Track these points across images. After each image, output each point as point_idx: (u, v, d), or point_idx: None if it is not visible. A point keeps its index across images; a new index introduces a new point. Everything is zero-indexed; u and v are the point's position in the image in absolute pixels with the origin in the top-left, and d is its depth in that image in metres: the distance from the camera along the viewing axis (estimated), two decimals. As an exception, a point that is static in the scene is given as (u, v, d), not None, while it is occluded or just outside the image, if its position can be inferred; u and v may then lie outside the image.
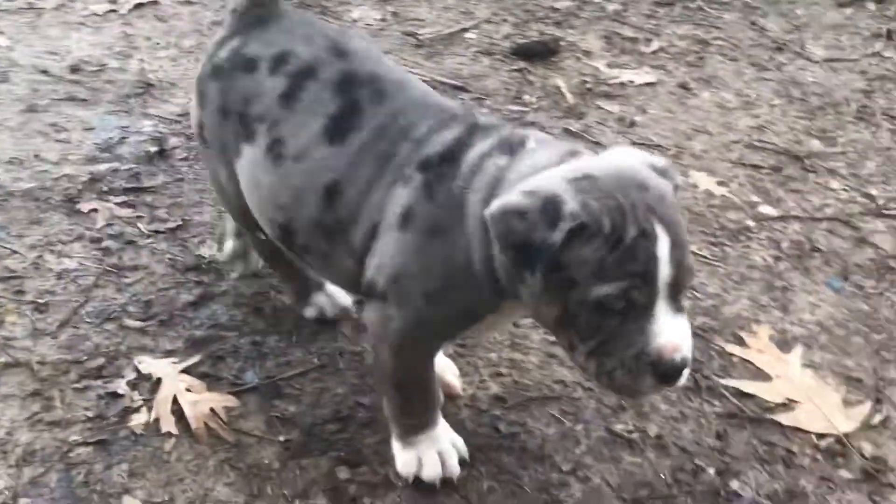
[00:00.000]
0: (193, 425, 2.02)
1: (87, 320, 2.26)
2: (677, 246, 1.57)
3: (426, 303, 1.77)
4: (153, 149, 2.83)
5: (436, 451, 1.96)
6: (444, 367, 2.16)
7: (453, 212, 1.71)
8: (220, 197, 2.20)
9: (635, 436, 2.11)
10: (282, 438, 2.03)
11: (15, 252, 2.41)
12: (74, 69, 3.16)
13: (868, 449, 2.12)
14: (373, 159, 1.81)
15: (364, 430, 2.07)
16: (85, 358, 2.16)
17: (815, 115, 3.39)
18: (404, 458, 1.96)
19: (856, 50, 3.88)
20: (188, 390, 2.08)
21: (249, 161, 1.95)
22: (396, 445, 1.98)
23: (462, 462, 1.98)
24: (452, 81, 3.31)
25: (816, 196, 2.94)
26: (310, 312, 2.30)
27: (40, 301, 2.29)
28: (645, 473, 2.02)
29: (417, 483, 1.94)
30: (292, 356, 2.22)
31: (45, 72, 3.16)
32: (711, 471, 2.05)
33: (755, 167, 3.07)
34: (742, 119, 3.31)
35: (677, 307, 1.60)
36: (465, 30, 3.72)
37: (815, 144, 3.21)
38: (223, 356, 2.21)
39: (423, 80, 2.02)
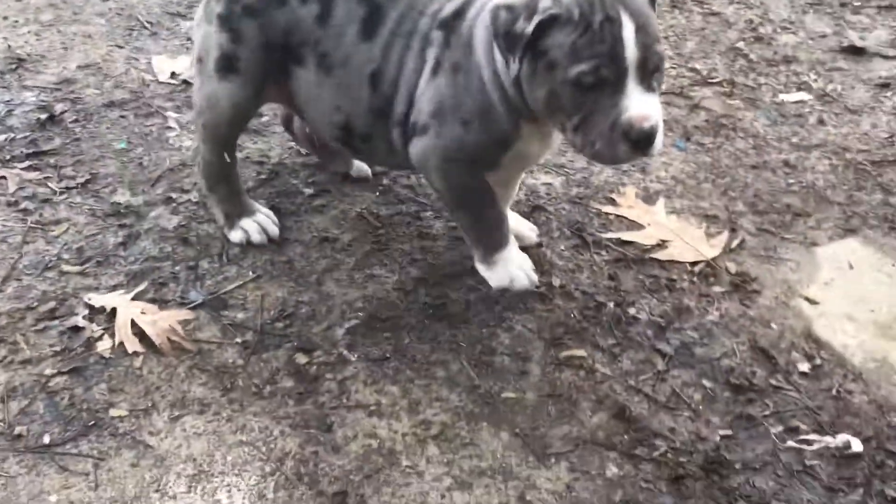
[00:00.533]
0: (157, 341, 2.22)
1: (27, 272, 2.40)
2: (642, 31, 1.94)
3: (464, 129, 2.18)
4: (42, 116, 2.94)
5: (517, 267, 2.37)
6: (518, 221, 2.54)
7: (466, 47, 2.14)
8: (230, 121, 2.43)
9: (543, 289, 2.42)
10: (239, 340, 2.25)
11: (-63, 224, 2.51)
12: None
13: (733, 267, 2.51)
14: (401, 39, 2.21)
15: (309, 321, 2.31)
16: (36, 304, 2.32)
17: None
18: (496, 276, 2.39)
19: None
20: (143, 313, 2.27)
21: (305, 82, 2.30)
22: (482, 268, 2.39)
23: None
24: None
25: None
26: (236, 236, 2.53)
27: (-21, 261, 2.41)
28: (558, 317, 2.35)
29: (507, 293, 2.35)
30: (228, 273, 2.44)
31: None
32: (611, 304, 2.39)
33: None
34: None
35: (648, 86, 1.97)
36: None
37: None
38: (164, 282, 2.40)
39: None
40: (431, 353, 2.23)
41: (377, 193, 2.71)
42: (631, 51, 1.93)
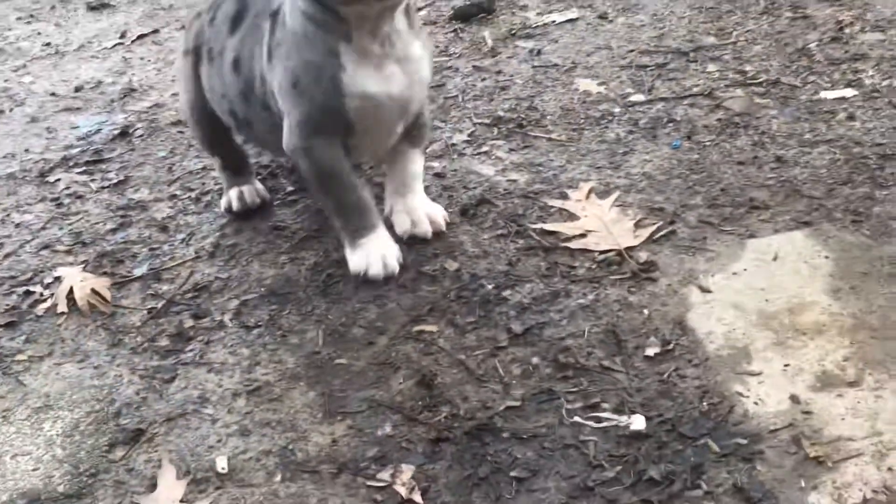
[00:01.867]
0: (79, 303, 2.55)
1: (29, 251, 2.85)
2: None
3: (297, 92, 2.29)
4: (117, 132, 3.44)
5: (379, 254, 2.43)
6: (422, 206, 2.60)
7: (282, 25, 2.29)
8: (193, 126, 2.86)
9: (437, 273, 2.47)
10: (149, 307, 2.53)
11: (-13, 214, 3.06)
12: (77, 89, 3.86)
13: (643, 256, 2.41)
14: (251, 31, 2.45)
15: (216, 294, 2.54)
16: (19, 274, 2.75)
17: (722, 18, 3.63)
18: (354, 259, 2.46)
19: (787, -41, 4.07)
20: (82, 281, 2.62)
21: (204, 76, 2.64)
22: (348, 251, 2.48)
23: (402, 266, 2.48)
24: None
25: (691, 80, 3.21)
26: (222, 202, 2.86)
27: (-2, 243, 2.91)
28: (435, 297, 2.39)
29: (365, 279, 2.45)
30: (178, 253, 2.74)
31: (53, 94, 3.87)
32: (490, 286, 2.39)
33: (641, 67, 3.36)
34: (646, 33, 3.60)
35: None
36: (419, 9, 4.17)
37: (709, 40, 3.46)
38: (122, 259, 2.75)
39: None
40: (298, 324, 2.36)
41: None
42: None
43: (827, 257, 2.27)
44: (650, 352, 2.09)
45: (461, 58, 3.65)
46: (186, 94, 2.76)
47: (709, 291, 2.22)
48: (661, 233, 2.47)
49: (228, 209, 2.81)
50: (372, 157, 2.72)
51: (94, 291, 2.56)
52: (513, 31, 3.81)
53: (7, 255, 2.82)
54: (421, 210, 2.59)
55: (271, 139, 2.54)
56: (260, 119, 2.52)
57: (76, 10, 4.86)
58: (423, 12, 4.09)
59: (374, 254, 2.44)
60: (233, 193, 2.82)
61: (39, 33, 4.61)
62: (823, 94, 2.97)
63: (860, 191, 2.51)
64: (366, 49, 2.26)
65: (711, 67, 3.24)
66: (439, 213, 2.61)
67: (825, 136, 2.76)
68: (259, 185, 2.86)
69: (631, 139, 2.90)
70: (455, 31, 3.89)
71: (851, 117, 2.84)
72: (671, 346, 2.09)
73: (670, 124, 2.95)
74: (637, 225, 2.50)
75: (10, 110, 3.77)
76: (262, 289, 2.50)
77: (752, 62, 3.23)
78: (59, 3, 4.99)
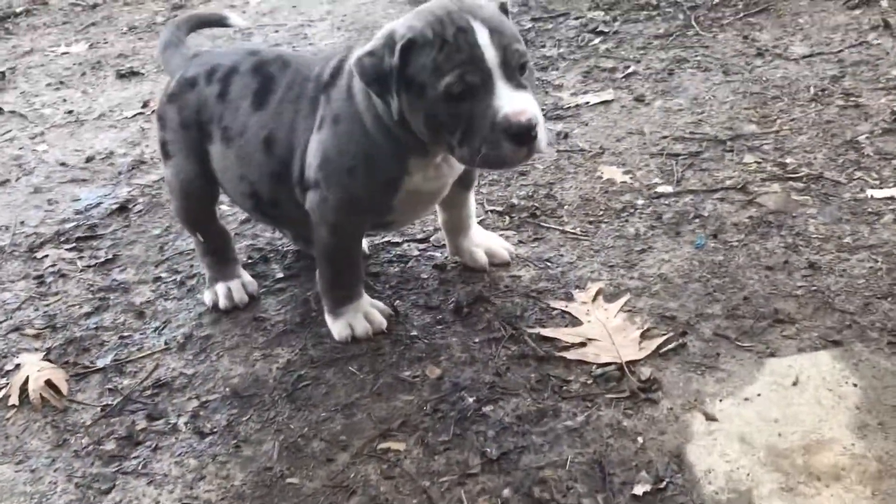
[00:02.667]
0: (31, 396, 2.35)
1: (-2, 333, 2.66)
2: (497, 33, 1.98)
3: (349, 177, 2.21)
4: (115, 206, 3.27)
5: (362, 315, 2.37)
6: (489, 239, 2.64)
7: (346, 100, 2.20)
8: (182, 200, 2.60)
9: (417, 380, 2.22)
10: (104, 403, 2.32)
11: (-32, 291, 2.89)
12: (89, 159, 3.72)
13: (646, 372, 2.13)
14: (289, 104, 2.32)
15: (177, 392, 2.33)
16: (-20, 359, 2.55)
17: (767, 104, 3.36)
18: (337, 327, 2.40)
19: (844, 44, 3.79)
20: (39, 371, 2.42)
21: (216, 156, 2.45)
22: (329, 319, 2.42)
23: (391, 316, 2.43)
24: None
25: (725, 171, 2.94)
26: (206, 298, 2.65)
27: (-34, 322, 2.73)
28: (410, 408, 2.14)
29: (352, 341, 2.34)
30: (148, 343, 2.53)
31: (63, 164, 3.74)
32: (471, 399, 2.13)
33: (673, 155, 3.09)
34: (683, 118, 3.34)
35: (517, 84, 1.98)
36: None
37: (750, 128, 3.19)
38: (88, 348, 2.54)
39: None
40: (256, 433, 2.14)
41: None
42: (490, 53, 1.96)
43: (855, 385, 1.95)
44: (638, 490, 1.80)
45: (484, 139, 3.39)
46: (182, 171, 2.55)
47: (714, 420, 1.92)
48: (670, 346, 2.18)
49: (214, 306, 2.60)
50: (412, 222, 2.75)
51: (48, 384, 2.35)
52: (543, 113, 3.55)
53: (-25, 337, 2.62)
54: (490, 242, 2.61)
55: (299, 218, 2.38)
56: (291, 199, 2.35)
57: (105, 78, 4.77)
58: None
59: (356, 317, 2.38)
60: (220, 290, 2.62)
61: (65, 100, 4.52)
62: (870, 193, 2.67)
63: (901, 306, 2.19)
64: (433, 161, 2.23)
65: (749, 158, 2.96)
66: (505, 242, 2.66)
67: (867, 241, 2.45)
68: (247, 278, 2.65)
69: (651, 235, 2.63)
70: (482, 109, 3.64)
71: (899, 220, 2.52)
72: (663, 485, 1.80)
73: (696, 220, 2.67)
74: (644, 335, 2.22)
75: (17, 179, 3.65)
76: (227, 389, 2.28)
77: (794, 154, 2.94)
78: (90, 70, 4.92)
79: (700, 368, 2.10)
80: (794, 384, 1.98)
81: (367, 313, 2.40)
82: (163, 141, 2.54)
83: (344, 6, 5.20)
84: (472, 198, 2.58)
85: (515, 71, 1.98)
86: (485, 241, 2.61)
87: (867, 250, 2.43)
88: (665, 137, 3.22)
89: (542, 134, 1.98)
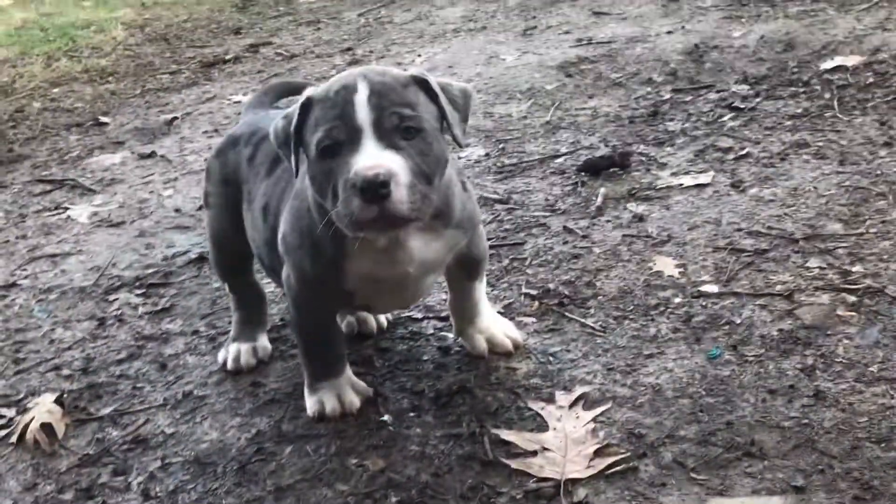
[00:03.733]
0: (27, 437, 2.50)
1: (41, 370, 2.87)
2: (376, 94, 1.96)
3: (298, 254, 2.24)
4: (195, 256, 3.44)
5: (335, 394, 2.36)
6: (496, 325, 2.54)
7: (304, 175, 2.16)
8: (215, 250, 2.75)
9: (359, 469, 2.19)
10: (86, 453, 2.44)
11: (39, 326, 3.13)
12: (201, 207, 3.92)
13: (581, 495, 2.00)
14: (286, 174, 2.35)
15: (149, 451, 2.41)
16: (13, 394, 2.76)
17: (867, 201, 3.06)
18: (310, 402, 2.40)
19: None
20: (48, 412, 2.57)
21: (246, 219, 2.55)
22: (306, 392, 2.42)
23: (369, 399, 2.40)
24: (494, 196, 3.54)
25: (781, 275, 2.71)
26: (220, 356, 2.72)
27: (20, 356, 2.95)
28: (337, 500, 2.12)
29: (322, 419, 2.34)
30: (150, 398, 2.63)
31: (177, 210, 3.97)
32: (394, 499, 2.08)
33: (738, 251, 2.89)
34: (769, 210, 3.11)
35: (388, 144, 1.93)
36: (557, 156, 3.91)
37: (833, 227, 2.92)
38: (102, 395, 2.68)
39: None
40: (192, 502, 2.18)
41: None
42: (363, 111, 1.94)
43: (791, 542, 1.72)
44: None
45: (563, 214, 3.33)
46: (217, 222, 2.67)
47: (620, 560, 1.75)
48: (618, 468, 2.01)
49: (223, 365, 2.66)
50: (403, 308, 2.68)
51: (43, 427, 2.47)
52: (633, 192, 3.43)
53: (20, 371, 2.83)
54: (494, 328, 2.51)
55: None
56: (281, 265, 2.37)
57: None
58: (559, 160, 3.79)
59: (330, 395, 2.35)
60: (232, 350, 2.69)
61: (211, 147, 4.75)
62: (927, 315, 2.35)
63: (891, 455, 1.92)
64: (377, 245, 2.14)
65: (813, 262, 2.71)
66: (513, 330, 2.53)
67: (893, 373, 2.17)
68: (263, 342, 2.71)
69: (668, 339, 2.46)
70: (576, 184, 3.56)
71: (944, 351, 2.21)
72: None
73: (726, 327, 2.48)
74: (599, 452, 2.06)
75: (132, 222, 3.89)
76: (192, 453, 2.33)
77: (865, 261, 2.66)
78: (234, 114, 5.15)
79: (638, 499, 1.94)
80: (725, 531, 1.77)
81: (341, 393, 2.37)
82: (206, 192, 2.68)
83: (495, 68, 5.20)
84: (479, 288, 2.51)
85: (392, 133, 1.94)
86: (490, 328, 2.51)
87: (888, 384, 2.16)
88: (739, 230, 2.99)
89: (402, 194, 1.89)
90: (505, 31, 6.00)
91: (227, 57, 6.61)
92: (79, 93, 6.19)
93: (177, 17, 8.11)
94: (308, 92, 2.07)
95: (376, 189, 1.87)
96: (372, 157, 1.90)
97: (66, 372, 2.81)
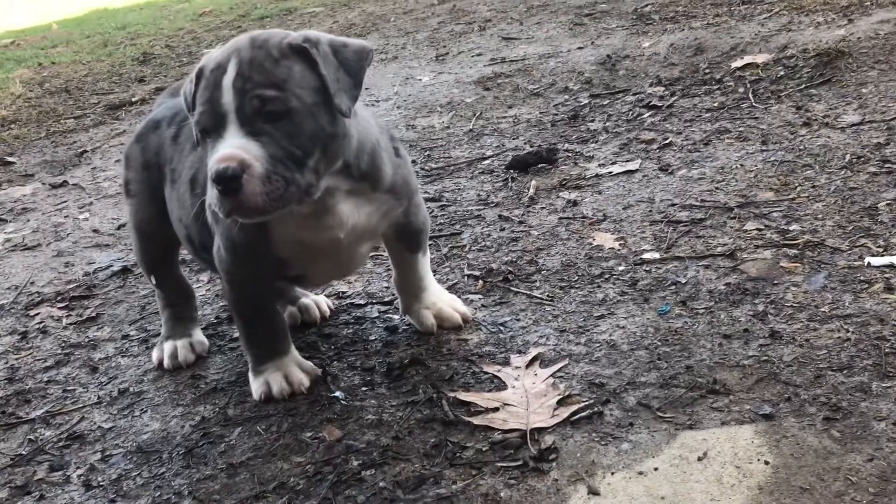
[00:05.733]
0: (-48, 443, 2.33)
1: (-37, 381, 2.69)
2: (242, 76, 1.85)
3: (225, 221, 2.09)
4: (118, 269, 3.30)
5: (282, 375, 2.25)
6: (446, 299, 2.49)
7: None
8: (139, 241, 2.61)
9: (315, 441, 2.10)
10: (18, 454, 2.30)
11: (-43, 343, 2.95)
12: (120, 227, 3.80)
13: (549, 441, 1.94)
14: None
15: (87, 446, 2.30)
16: (-68, 406, 2.58)
17: (794, 172, 3.11)
18: (255, 385, 2.28)
19: (903, 111, 3.50)
20: (-29, 419, 2.40)
21: (168, 198, 2.43)
22: (251, 376, 2.31)
23: (318, 378, 2.30)
24: (425, 195, 3.46)
25: (720, 239, 2.71)
26: (154, 355, 2.61)
27: (-65, 370, 2.77)
28: (294, 471, 2.01)
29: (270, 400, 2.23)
30: (83, 398, 2.50)
31: (95, 230, 3.83)
32: (356, 463, 1.98)
33: (674, 222, 2.89)
34: (700, 187, 3.13)
35: (250, 131, 1.83)
36: (483, 158, 3.88)
37: (766, 196, 2.95)
38: (31, 399, 2.53)
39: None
40: (135, 489, 2.08)
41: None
42: (227, 96, 1.85)
43: (767, 463, 1.70)
44: (487, 567, 1.58)
45: (496, 207, 3.29)
46: (140, 210, 2.55)
47: (596, 493, 1.71)
48: (583, 414, 1.95)
49: (160, 364, 2.53)
50: (339, 279, 2.59)
51: (-30, 430, 2.31)
52: (564, 182, 3.42)
53: (-63, 386, 2.64)
54: (441, 303, 2.42)
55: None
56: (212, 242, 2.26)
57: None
58: (486, 161, 3.77)
59: (276, 376, 2.24)
60: (167, 348, 2.58)
61: (125, 175, 4.63)
62: (868, 260, 2.38)
63: (855, 380, 1.92)
64: (301, 210, 2.02)
65: (751, 226, 2.71)
66: (461, 305, 2.46)
67: (844, 311, 2.18)
68: (199, 337, 2.60)
69: (617, 302, 2.43)
70: (506, 180, 3.53)
71: (890, 288, 2.23)
72: (513, 563, 1.57)
73: (671, 287, 2.46)
74: (562, 402, 2.02)
75: (48, 244, 3.74)
76: (133, 444, 2.21)
77: (801, 221, 2.68)
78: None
79: (606, 439, 1.88)
80: (700, 459, 1.74)
81: (288, 373, 2.28)
82: (126, 180, 2.56)
83: (413, 87, 5.20)
84: (423, 261, 2.46)
85: (254, 118, 1.85)
86: (437, 303, 2.45)
87: (841, 320, 2.15)
88: (673, 205, 3.00)
89: (254, 187, 1.81)
90: (417, 58, 6.03)
91: (134, 99, 6.48)
92: (-20, 138, 5.98)
93: (76, 73, 7.93)
94: (203, 60, 1.97)
95: (227, 183, 1.81)
96: (226, 149, 1.83)
97: (-11, 384, 2.63)
